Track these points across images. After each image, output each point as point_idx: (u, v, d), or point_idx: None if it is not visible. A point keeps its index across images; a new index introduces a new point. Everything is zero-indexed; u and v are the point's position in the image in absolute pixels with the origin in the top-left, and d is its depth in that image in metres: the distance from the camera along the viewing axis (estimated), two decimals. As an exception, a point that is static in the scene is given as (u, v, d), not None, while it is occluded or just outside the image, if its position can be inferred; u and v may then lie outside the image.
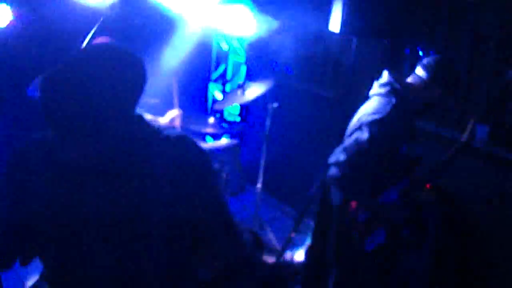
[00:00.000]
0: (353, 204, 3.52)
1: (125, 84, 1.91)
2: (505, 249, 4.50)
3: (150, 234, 1.94)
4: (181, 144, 2.01)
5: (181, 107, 5.42)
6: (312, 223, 5.28)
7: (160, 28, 6.21)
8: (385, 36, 4.68)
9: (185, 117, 5.32)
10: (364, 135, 3.29)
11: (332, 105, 5.95)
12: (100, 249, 1.95)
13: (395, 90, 3.43)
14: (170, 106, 5.35)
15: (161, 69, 6.17)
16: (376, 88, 3.57)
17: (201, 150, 2.05)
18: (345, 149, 3.35)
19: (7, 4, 4.50)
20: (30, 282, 4.40)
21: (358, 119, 3.46)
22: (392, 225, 3.63)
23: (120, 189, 1.89)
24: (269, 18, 5.94)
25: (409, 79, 3.56)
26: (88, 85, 1.80)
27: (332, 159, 3.40)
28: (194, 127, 5.18)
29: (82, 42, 4.82)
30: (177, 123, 5.28)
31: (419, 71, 3.51)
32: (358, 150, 3.30)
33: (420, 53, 5.36)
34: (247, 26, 6.06)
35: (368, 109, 3.47)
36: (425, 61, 3.52)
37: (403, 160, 3.63)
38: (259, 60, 6.83)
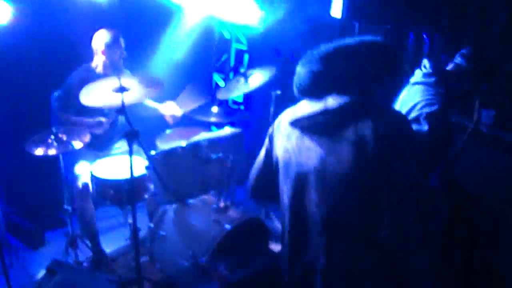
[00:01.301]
0: None
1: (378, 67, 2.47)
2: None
3: (356, 189, 2.39)
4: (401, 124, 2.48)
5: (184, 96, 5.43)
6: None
7: (161, 18, 6.19)
8: (387, 22, 4.65)
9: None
10: (424, 127, 3.39)
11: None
12: (316, 196, 2.51)
13: (443, 79, 3.58)
14: (171, 95, 5.37)
15: (164, 59, 6.17)
16: (421, 77, 3.69)
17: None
18: None
19: (5, 1, 4.50)
20: (38, 276, 4.41)
21: (411, 110, 3.54)
22: (435, 208, 3.85)
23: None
24: (272, 5, 5.93)
25: (450, 67, 3.70)
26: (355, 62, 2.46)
27: None
28: (198, 117, 5.16)
29: (84, 36, 4.83)
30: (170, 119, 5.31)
31: (459, 60, 3.65)
32: (420, 141, 3.37)
33: (425, 36, 5.34)
34: (249, 14, 6.04)
35: (419, 99, 3.54)
36: (464, 51, 3.66)
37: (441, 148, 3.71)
38: (262, 48, 6.81)
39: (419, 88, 3.64)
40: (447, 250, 4.35)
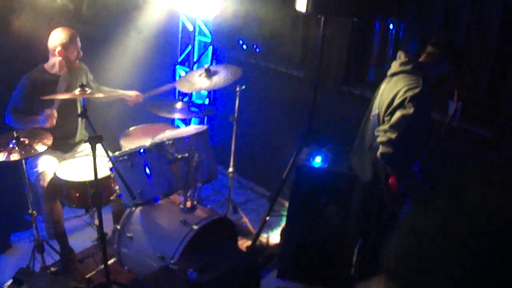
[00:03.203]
0: (392, 179, 3.77)
1: None
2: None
3: None
4: None
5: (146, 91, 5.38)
6: (286, 204, 5.26)
7: (124, 11, 6.08)
8: (353, 14, 4.62)
9: (151, 103, 5.26)
10: (410, 110, 3.52)
11: (301, 84, 5.90)
12: None
13: (418, 67, 3.73)
14: (135, 88, 5.31)
15: (127, 52, 6.07)
16: (398, 67, 3.83)
17: None
18: (393, 127, 3.58)
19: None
20: (5, 286, 4.32)
21: (394, 98, 3.67)
22: (419, 196, 3.85)
23: None
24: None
25: (422, 58, 3.86)
26: None
27: (382, 138, 3.62)
28: (163, 114, 5.08)
29: (40, 36, 4.71)
30: (132, 100, 5.24)
31: (430, 49, 3.83)
32: (407, 126, 3.54)
33: (391, 26, 5.34)
34: (212, 5, 5.97)
35: (400, 87, 3.67)
36: (435, 41, 3.86)
37: (425, 133, 3.88)
38: (226, 40, 6.74)
39: (398, 77, 3.79)
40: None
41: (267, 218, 5.02)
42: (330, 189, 4.67)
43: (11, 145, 4.03)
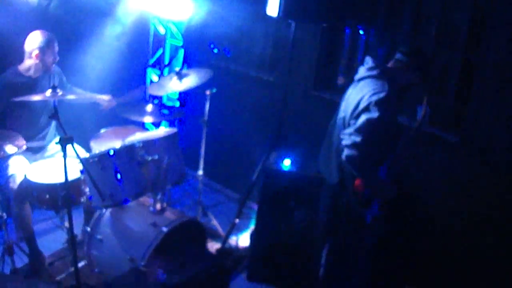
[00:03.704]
0: (358, 181, 3.82)
1: None
2: (447, 224, 4.66)
3: None
4: None
5: (118, 93, 5.37)
6: (255, 207, 5.29)
7: (95, 13, 6.07)
8: (323, 19, 4.69)
9: (122, 106, 5.25)
10: (374, 114, 3.58)
11: (271, 88, 5.94)
12: None
13: (385, 72, 3.80)
14: (106, 90, 5.30)
15: (97, 54, 6.06)
16: (364, 72, 3.89)
17: None
18: (358, 130, 3.62)
19: None
20: None
21: (359, 101, 3.71)
22: (385, 198, 4.02)
23: None
24: (206, 1, 5.88)
25: (390, 64, 3.93)
26: None
27: (347, 141, 3.67)
28: (133, 116, 5.08)
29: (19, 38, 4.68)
30: (105, 105, 5.24)
31: (398, 56, 3.89)
32: (372, 129, 3.59)
33: (361, 32, 5.40)
34: (183, 9, 5.98)
35: (366, 91, 3.72)
36: (403, 48, 3.91)
37: (392, 137, 3.94)
38: (197, 44, 6.75)
39: (364, 82, 3.84)
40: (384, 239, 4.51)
41: (237, 220, 5.05)
42: (298, 192, 4.71)
43: (-20, 147, 4.01)
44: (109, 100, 5.26)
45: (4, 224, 4.40)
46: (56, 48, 4.75)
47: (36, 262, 4.76)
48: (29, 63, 4.68)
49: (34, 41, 4.63)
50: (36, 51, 4.62)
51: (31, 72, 4.69)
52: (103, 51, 6.11)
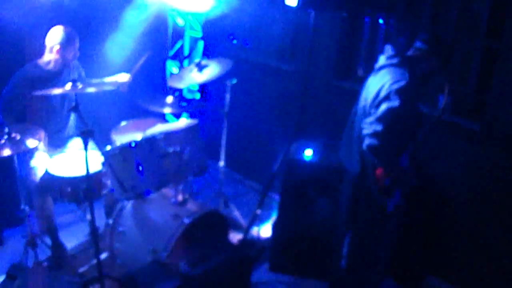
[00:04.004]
0: (379, 170, 3.81)
1: None
2: (468, 214, 4.61)
3: None
4: None
5: (139, 86, 5.36)
6: (276, 198, 5.29)
7: (114, 6, 6.06)
8: (343, 8, 4.66)
9: (143, 98, 5.26)
10: (395, 102, 3.56)
11: (291, 78, 5.92)
12: None
13: (405, 60, 3.77)
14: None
15: (117, 46, 6.06)
16: (384, 61, 3.87)
17: None
18: (379, 119, 3.60)
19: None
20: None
21: (380, 90, 3.70)
22: (407, 187, 3.99)
23: None
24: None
25: (410, 52, 3.89)
26: None
27: (367, 130, 3.65)
28: (153, 108, 5.09)
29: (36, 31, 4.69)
30: (125, 85, 5.22)
31: (418, 44, 3.85)
32: (393, 118, 3.57)
33: (380, 21, 5.36)
34: (202, 0, 5.97)
35: (386, 80, 3.71)
36: (423, 36, 3.86)
37: (413, 126, 3.91)
38: (217, 35, 6.75)
39: (384, 70, 3.81)
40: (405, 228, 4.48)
41: (258, 211, 5.04)
42: (320, 182, 4.71)
43: (2, 141, 4.02)
44: (124, 77, 5.21)
45: (27, 217, 4.44)
46: (77, 45, 4.75)
47: (58, 254, 4.80)
48: (49, 57, 4.70)
49: (55, 36, 4.64)
50: (57, 47, 4.63)
51: (51, 66, 4.71)
52: (121, 43, 6.10)
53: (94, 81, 5.17)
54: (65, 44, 4.65)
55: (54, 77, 4.74)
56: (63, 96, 4.77)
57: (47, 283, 3.82)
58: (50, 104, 4.74)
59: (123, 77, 5.13)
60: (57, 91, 4.08)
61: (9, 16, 4.93)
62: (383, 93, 3.65)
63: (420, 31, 4.49)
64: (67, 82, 4.11)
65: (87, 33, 5.35)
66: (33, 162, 4.67)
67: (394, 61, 3.79)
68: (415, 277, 4.94)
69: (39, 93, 4.19)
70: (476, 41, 4.67)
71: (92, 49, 5.73)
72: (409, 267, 4.88)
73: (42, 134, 4.24)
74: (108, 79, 5.14)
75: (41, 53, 4.73)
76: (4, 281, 3.80)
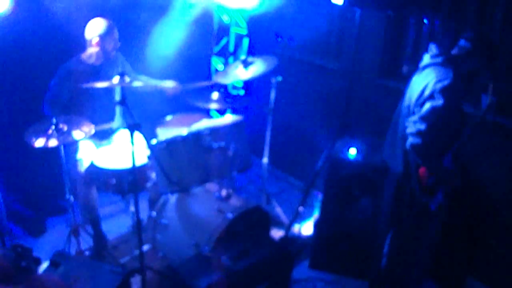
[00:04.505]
0: (422, 170, 3.80)
1: None
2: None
3: None
4: None
5: (185, 81, 5.43)
6: (319, 195, 5.29)
7: (160, 3, 6.14)
8: (388, 7, 4.63)
9: (188, 93, 5.32)
10: (439, 102, 3.56)
11: (336, 76, 5.91)
12: None
13: (449, 59, 3.75)
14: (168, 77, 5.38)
15: (162, 43, 6.13)
16: (429, 60, 3.86)
17: None
18: (423, 118, 3.61)
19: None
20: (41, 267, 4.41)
21: (424, 89, 3.70)
22: (450, 187, 3.99)
23: None
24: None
25: (454, 51, 3.86)
26: None
27: (411, 129, 3.67)
28: (198, 103, 5.14)
29: (80, 25, 4.77)
30: (170, 91, 5.29)
31: (463, 43, 3.81)
32: (436, 117, 3.57)
33: (425, 21, 5.31)
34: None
35: (430, 79, 3.70)
36: (468, 34, 3.83)
37: (456, 125, 3.88)
38: (262, 32, 6.78)
39: (429, 69, 3.80)
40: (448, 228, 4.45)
41: (301, 208, 5.06)
42: (363, 181, 4.70)
43: (50, 131, 4.12)
44: (174, 87, 5.32)
45: (71, 207, 4.53)
46: (116, 35, 4.81)
47: (100, 244, 4.89)
48: (90, 51, 4.78)
49: (93, 28, 4.72)
50: (97, 39, 4.71)
51: (93, 60, 4.80)
52: (166, 39, 6.17)
53: (142, 77, 5.26)
54: (104, 35, 4.72)
55: (97, 70, 4.82)
56: (107, 90, 4.85)
57: (90, 271, 3.90)
58: (94, 98, 4.81)
59: (169, 84, 5.23)
60: (104, 84, 4.16)
61: (58, 11, 5.05)
62: (427, 92, 3.64)
63: (465, 30, 4.46)
64: (110, 76, 4.17)
65: (133, 29, 5.43)
66: (79, 154, 4.77)
67: (439, 60, 3.78)
68: (455, 278, 4.89)
69: (86, 85, 4.27)
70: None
71: (138, 45, 5.81)
72: (450, 268, 4.84)
73: (89, 126, 4.32)
74: (154, 82, 5.24)
75: (84, 48, 4.83)
76: (47, 267, 3.89)
